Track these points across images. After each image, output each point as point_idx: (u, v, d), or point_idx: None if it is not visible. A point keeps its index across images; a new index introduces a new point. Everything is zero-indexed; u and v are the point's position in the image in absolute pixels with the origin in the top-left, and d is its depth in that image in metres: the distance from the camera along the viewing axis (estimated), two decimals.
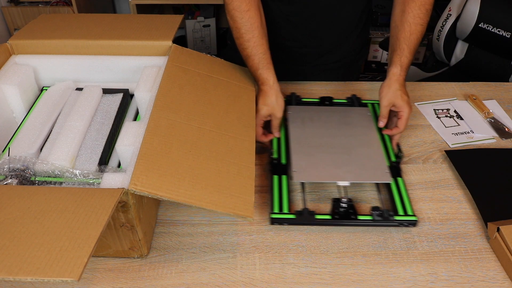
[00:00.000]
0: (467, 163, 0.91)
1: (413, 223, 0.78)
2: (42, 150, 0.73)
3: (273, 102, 0.89)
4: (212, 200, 0.63)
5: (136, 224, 0.66)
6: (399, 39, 0.93)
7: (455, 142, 0.98)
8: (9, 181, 0.66)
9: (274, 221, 0.78)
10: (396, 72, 0.92)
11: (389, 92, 0.91)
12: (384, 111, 0.93)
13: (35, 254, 0.50)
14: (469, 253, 0.75)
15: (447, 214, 0.82)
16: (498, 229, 0.74)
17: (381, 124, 0.94)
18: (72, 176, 0.68)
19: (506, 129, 1.02)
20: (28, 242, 0.51)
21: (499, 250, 0.74)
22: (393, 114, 0.95)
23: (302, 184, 0.84)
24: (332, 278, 0.71)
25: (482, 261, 0.74)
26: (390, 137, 0.95)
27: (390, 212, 0.78)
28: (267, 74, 0.90)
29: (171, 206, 0.82)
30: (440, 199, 0.85)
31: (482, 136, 1.01)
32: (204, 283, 0.70)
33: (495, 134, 1.01)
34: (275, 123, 0.92)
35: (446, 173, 0.91)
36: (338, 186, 0.84)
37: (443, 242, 0.77)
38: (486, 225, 0.78)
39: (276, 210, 0.79)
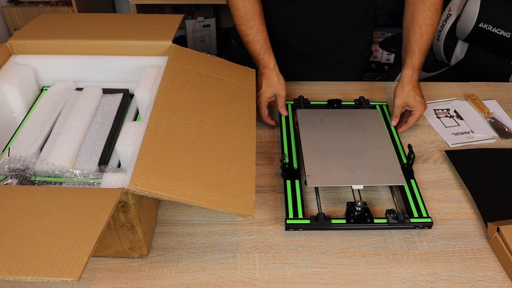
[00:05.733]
0: (467, 163, 0.91)
1: (428, 225, 0.78)
2: (42, 150, 0.73)
3: (275, 83, 0.98)
4: (213, 199, 0.63)
5: (136, 224, 0.66)
6: (410, 41, 0.98)
7: (455, 142, 0.98)
8: (9, 181, 0.66)
9: (289, 227, 0.77)
10: (408, 74, 0.97)
11: (402, 93, 0.96)
12: (397, 111, 0.97)
13: (35, 254, 0.50)
14: (469, 253, 0.75)
15: (447, 214, 0.82)
16: (498, 229, 0.74)
17: (393, 123, 0.98)
18: (72, 176, 0.68)
19: (506, 129, 1.02)
20: (28, 242, 0.51)
21: (499, 250, 0.74)
22: (407, 114, 0.99)
23: (316, 188, 0.83)
24: (332, 278, 0.71)
25: (482, 261, 0.74)
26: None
27: (405, 215, 0.78)
28: (269, 58, 0.99)
29: (171, 206, 0.82)
30: (440, 199, 0.85)
31: (482, 136, 1.01)
32: (204, 283, 0.70)
33: (495, 134, 1.01)
34: (281, 102, 0.99)
35: (446, 173, 0.91)
36: (352, 189, 0.83)
37: (443, 242, 0.77)
38: (486, 225, 0.78)
39: (291, 215, 0.78)
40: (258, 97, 0.98)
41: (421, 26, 0.96)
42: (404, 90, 0.96)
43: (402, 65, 1.00)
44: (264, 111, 0.99)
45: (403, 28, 1.02)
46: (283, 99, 0.99)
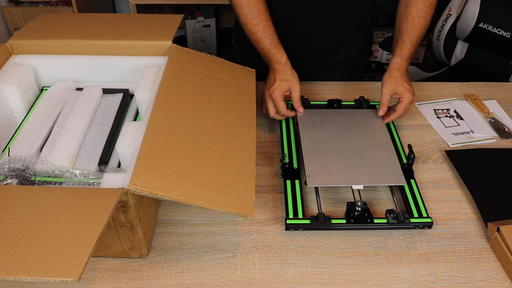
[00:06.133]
0: (467, 163, 0.91)
1: (428, 225, 0.78)
2: (42, 150, 0.73)
3: (290, 76, 0.94)
4: (213, 199, 0.63)
5: (136, 224, 0.66)
6: (401, 31, 0.98)
7: (455, 142, 0.98)
8: (9, 181, 0.66)
9: (289, 227, 0.77)
10: (396, 62, 0.96)
11: (389, 79, 0.94)
12: (384, 99, 0.95)
13: (35, 254, 0.50)
14: (469, 253, 0.75)
15: (447, 214, 0.82)
16: (498, 229, 0.74)
17: (381, 112, 0.96)
18: (72, 176, 0.68)
19: (506, 129, 1.02)
20: (28, 242, 0.51)
21: (499, 250, 0.74)
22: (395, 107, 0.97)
23: (316, 188, 0.83)
24: (332, 278, 0.71)
25: (482, 261, 0.74)
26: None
27: (405, 215, 0.78)
28: (280, 52, 0.96)
29: (171, 206, 0.82)
30: (440, 199, 0.85)
31: (482, 136, 1.01)
32: (204, 283, 0.70)
33: (495, 134, 1.01)
34: (296, 96, 0.95)
35: (446, 173, 0.91)
36: (352, 189, 0.83)
37: (443, 242, 0.77)
38: (486, 225, 0.78)
39: (291, 215, 0.78)
40: (272, 92, 0.93)
41: (414, 18, 0.96)
42: (392, 76, 0.95)
43: (392, 55, 0.99)
44: (283, 105, 0.93)
45: (396, 21, 1.02)
46: (298, 93, 0.95)
